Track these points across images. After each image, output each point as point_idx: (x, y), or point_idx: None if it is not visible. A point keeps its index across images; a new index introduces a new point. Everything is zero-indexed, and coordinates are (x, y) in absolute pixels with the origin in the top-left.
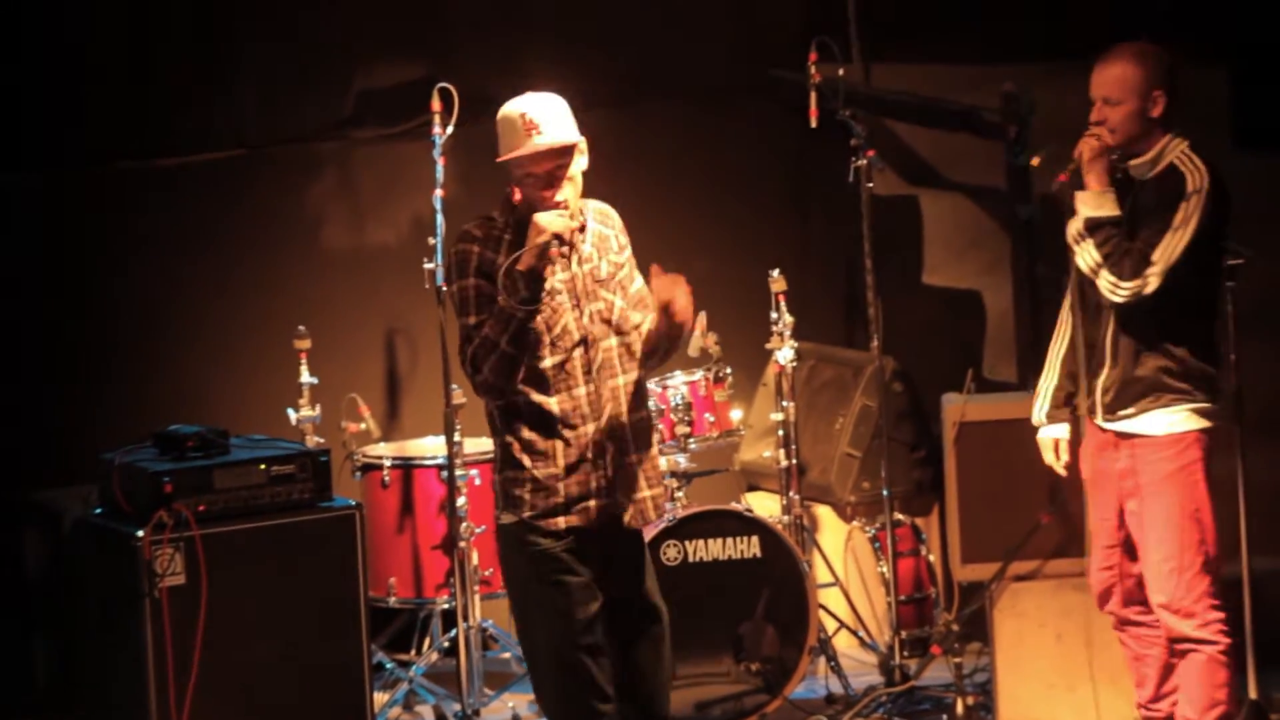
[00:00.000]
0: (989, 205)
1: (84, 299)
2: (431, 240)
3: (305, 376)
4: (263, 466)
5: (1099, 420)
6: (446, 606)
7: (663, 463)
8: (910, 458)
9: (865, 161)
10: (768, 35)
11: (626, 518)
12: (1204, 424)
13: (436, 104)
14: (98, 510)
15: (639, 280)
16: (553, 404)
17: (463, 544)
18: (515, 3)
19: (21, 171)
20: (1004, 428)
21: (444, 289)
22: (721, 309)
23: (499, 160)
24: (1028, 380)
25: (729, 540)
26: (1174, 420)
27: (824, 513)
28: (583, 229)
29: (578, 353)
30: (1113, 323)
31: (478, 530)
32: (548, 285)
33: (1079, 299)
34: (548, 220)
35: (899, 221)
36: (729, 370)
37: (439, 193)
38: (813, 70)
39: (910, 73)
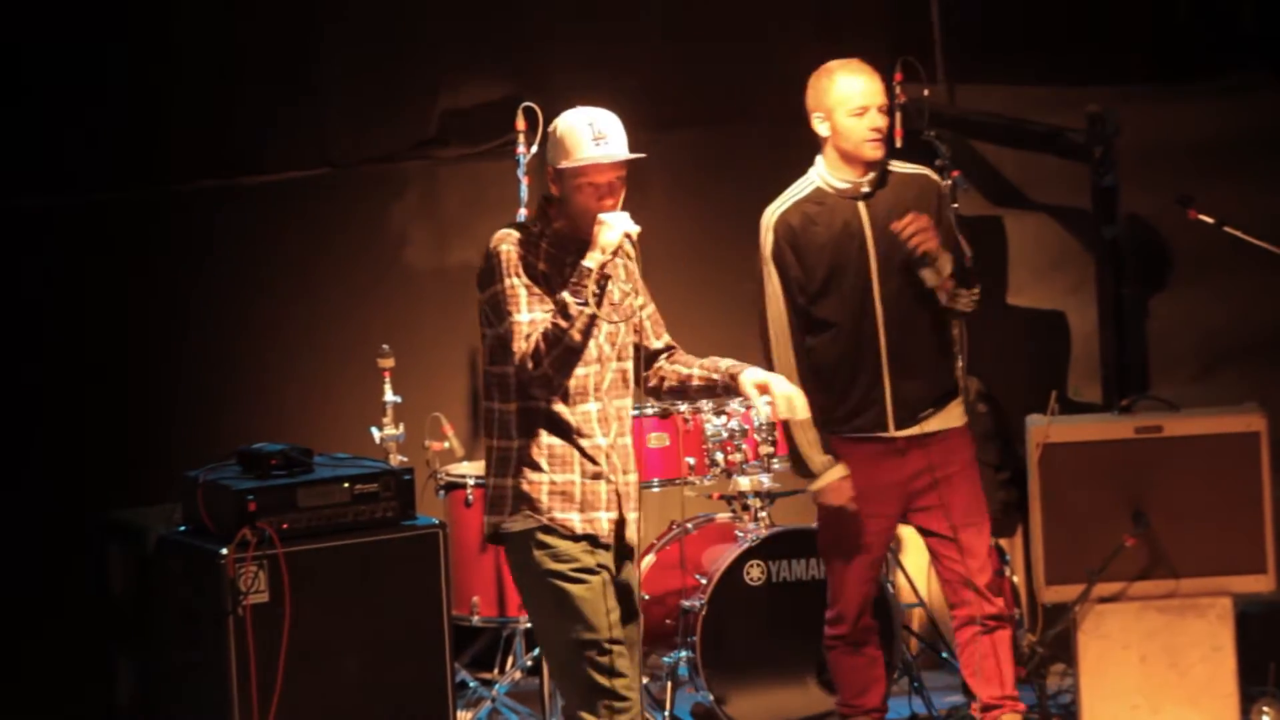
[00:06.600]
0: (1074, 226)
1: (169, 316)
2: None
3: (389, 395)
4: (346, 485)
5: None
6: (529, 625)
7: (746, 483)
8: (994, 479)
9: (950, 182)
10: (850, 55)
11: (628, 534)
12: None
13: (521, 123)
14: (181, 528)
15: (650, 305)
16: (568, 414)
17: None
18: (600, 23)
19: (107, 190)
20: (1088, 449)
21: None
22: None
23: (559, 166)
24: (1113, 401)
25: (813, 560)
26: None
27: (908, 532)
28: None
29: (592, 369)
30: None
31: None
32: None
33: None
34: (615, 218)
35: (984, 242)
36: None
37: (523, 212)
38: (898, 90)
39: (995, 94)
